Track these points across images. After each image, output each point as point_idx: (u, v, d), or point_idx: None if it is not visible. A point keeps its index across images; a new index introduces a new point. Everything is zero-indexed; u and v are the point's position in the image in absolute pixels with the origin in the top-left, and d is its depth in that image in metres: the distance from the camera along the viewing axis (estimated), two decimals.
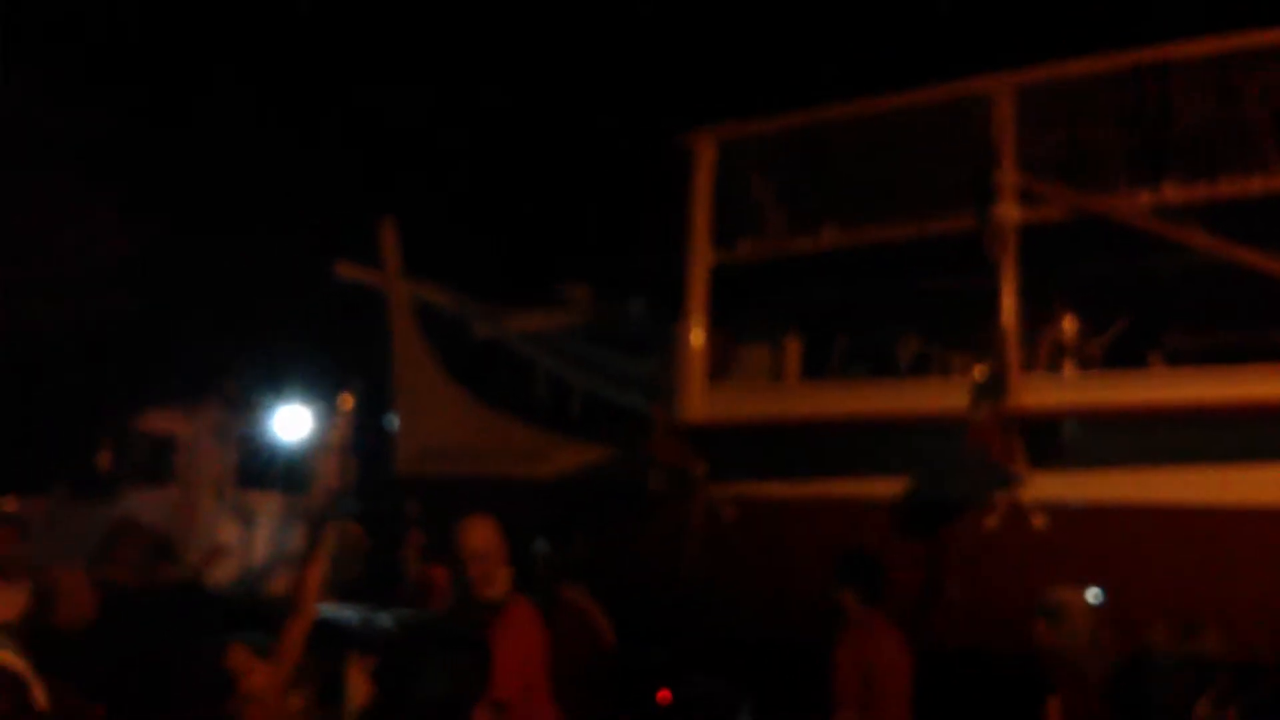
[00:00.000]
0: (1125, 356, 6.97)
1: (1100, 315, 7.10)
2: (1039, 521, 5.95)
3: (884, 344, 7.61)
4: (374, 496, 9.59)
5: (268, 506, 10.92)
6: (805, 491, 6.61)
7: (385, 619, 6.96)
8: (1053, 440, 5.94)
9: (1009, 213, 6.18)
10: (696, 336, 6.95)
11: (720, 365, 7.46)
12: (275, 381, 11.31)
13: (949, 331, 7.30)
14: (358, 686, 3.69)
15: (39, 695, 3.43)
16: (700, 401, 6.82)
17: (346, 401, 10.95)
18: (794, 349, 7.68)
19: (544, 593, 4.51)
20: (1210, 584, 5.42)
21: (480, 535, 3.98)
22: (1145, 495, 5.71)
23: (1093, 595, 4.64)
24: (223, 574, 8.43)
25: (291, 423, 11.07)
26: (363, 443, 10.44)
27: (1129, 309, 7.08)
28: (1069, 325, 6.95)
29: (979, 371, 6.16)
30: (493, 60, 15.99)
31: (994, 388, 5.98)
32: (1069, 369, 6.69)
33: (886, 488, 6.29)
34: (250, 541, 10.87)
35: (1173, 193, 5.98)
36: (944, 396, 6.17)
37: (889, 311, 7.48)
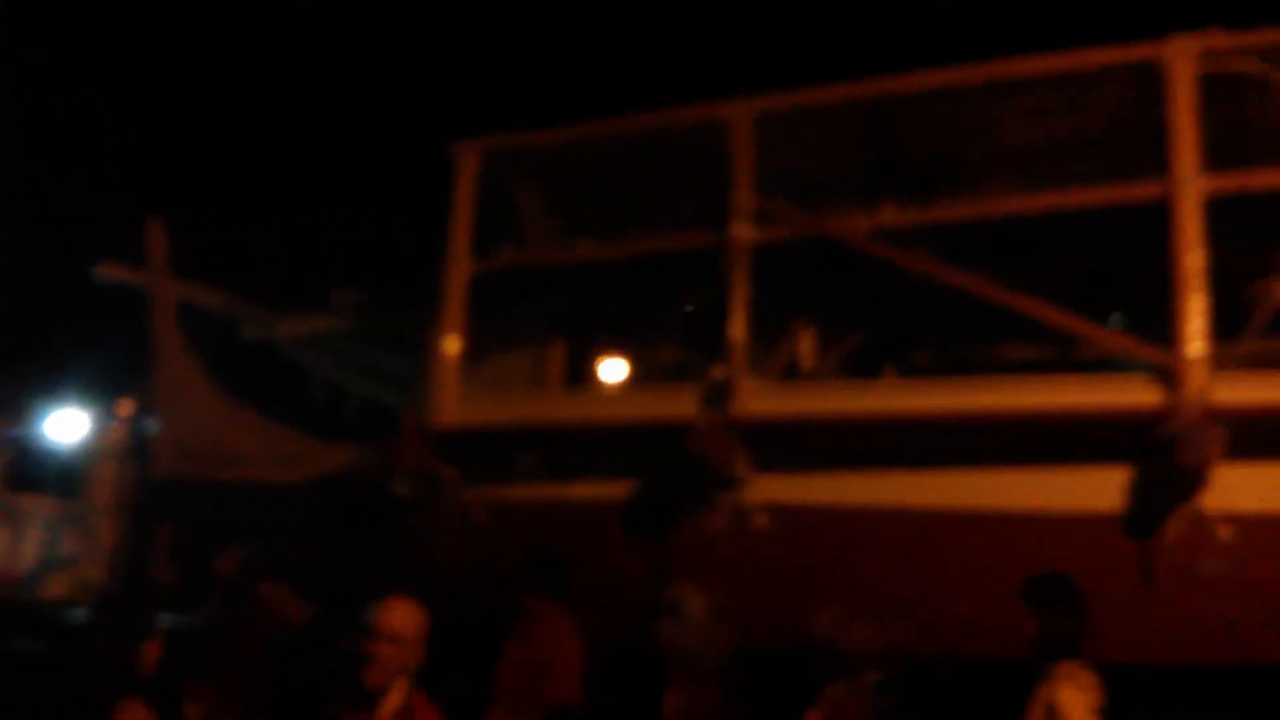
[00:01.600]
0: (865, 369, 7.43)
1: (843, 330, 7.57)
2: (761, 522, 6.29)
3: (644, 352, 7.91)
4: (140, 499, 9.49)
5: (38, 510, 10.73)
6: (549, 495, 6.82)
7: None
8: (775, 445, 6.29)
9: (743, 231, 6.54)
10: (451, 342, 7.11)
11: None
12: (50, 384, 11.08)
13: (705, 341, 7.61)
14: None
15: None
16: (452, 406, 6.98)
17: (124, 406, 10.78)
18: (557, 355, 7.91)
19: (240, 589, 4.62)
20: (895, 581, 5.84)
21: (400, 617, 3.60)
22: (850, 498, 6.11)
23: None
24: None
25: (66, 426, 10.89)
26: (141, 447, 10.30)
27: (870, 324, 7.55)
28: (807, 339, 7.37)
29: (707, 379, 6.49)
30: (268, 55, 15.85)
31: (720, 395, 6.30)
32: (799, 378, 7.10)
33: (620, 490, 6.55)
34: (19, 546, 10.66)
35: (890, 216, 6.42)
36: (675, 403, 6.45)
37: (647, 321, 7.79)
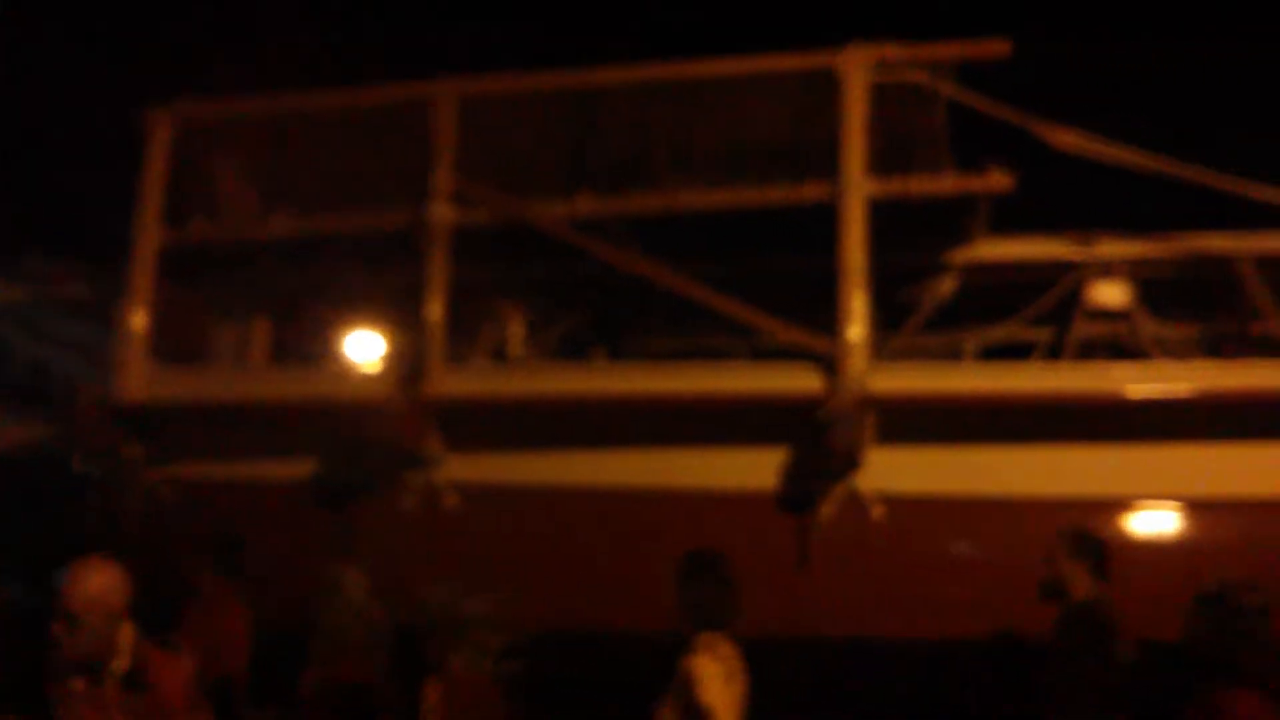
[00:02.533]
0: (577, 353, 7.61)
1: (553, 315, 7.72)
2: (451, 501, 6.38)
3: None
4: None
5: None
6: (240, 474, 6.71)
7: None
8: (468, 426, 6.39)
9: (441, 212, 6.59)
10: (138, 316, 6.88)
11: (193, 345, 7.47)
12: None
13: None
14: None
15: None
16: (138, 381, 6.77)
17: None
18: (261, 331, 7.77)
19: None
20: (575, 556, 6.06)
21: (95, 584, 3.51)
22: (537, 477, 6.29)
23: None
24: None
25: None
26: None
27: (579, 310, 7.72)
28: (516, 322, 7.49)
29: (400, 359, 6.54)
30: None
31: (414, 375, 6.35)
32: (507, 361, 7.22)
33: (311, 469, 6.52)
34: None
35: (586, 205, 6.60)
36: (371, 383, 6.46)
37: (353, 298, 7.74)
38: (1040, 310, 7.18)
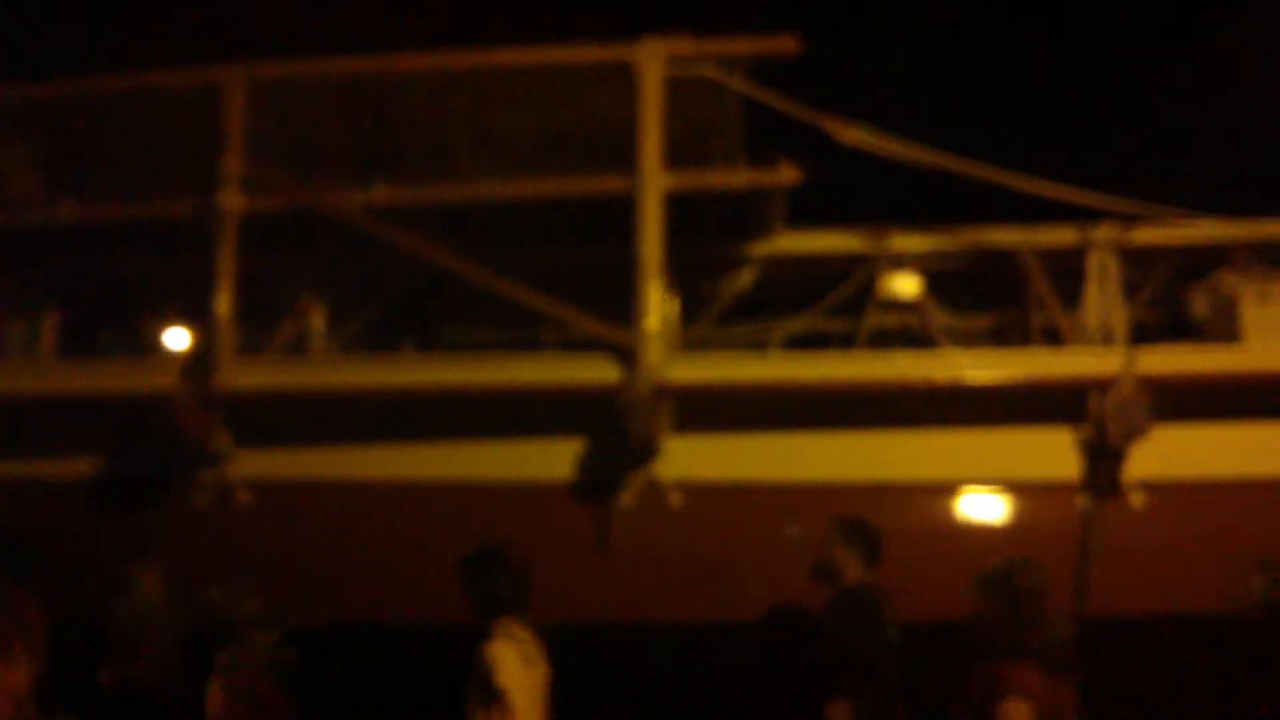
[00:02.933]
0: (384, 345, 7.50)
1: (356, 306, 7.60)
2: (244, 498, 6.22)
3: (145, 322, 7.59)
4: None
5: None
6: (30, 472, 6.40)
7: None
8: (261, 420, 6.24)
9: (231, 200, 6.40)
10: None
11: None
12: None
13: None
14: None
15: None
16: None
17: None
18: (51, 323, 7.44)
19: None
20: (368, 550, 6.00)
21: None
22: (330, 472, 6.19)
23: None
24: None
25: None
26: None
27: (380, 302, 7.62)
28: (317, 312, 7.34)
29: (190, 351, 6.35)
30: None
31: (201, 367, 6.16)
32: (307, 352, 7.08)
33: (101, 466, 6.28)
34: None
35: (381, 194, 6.51)
36: (160, 375, 6.23)
37: (149, 289, 7.50)
38: (837, 301, 7.42)
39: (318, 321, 7.31)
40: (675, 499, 6.18)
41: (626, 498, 6.15)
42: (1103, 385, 5.93)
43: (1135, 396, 5.84)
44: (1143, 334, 7.19)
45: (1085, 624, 5.83)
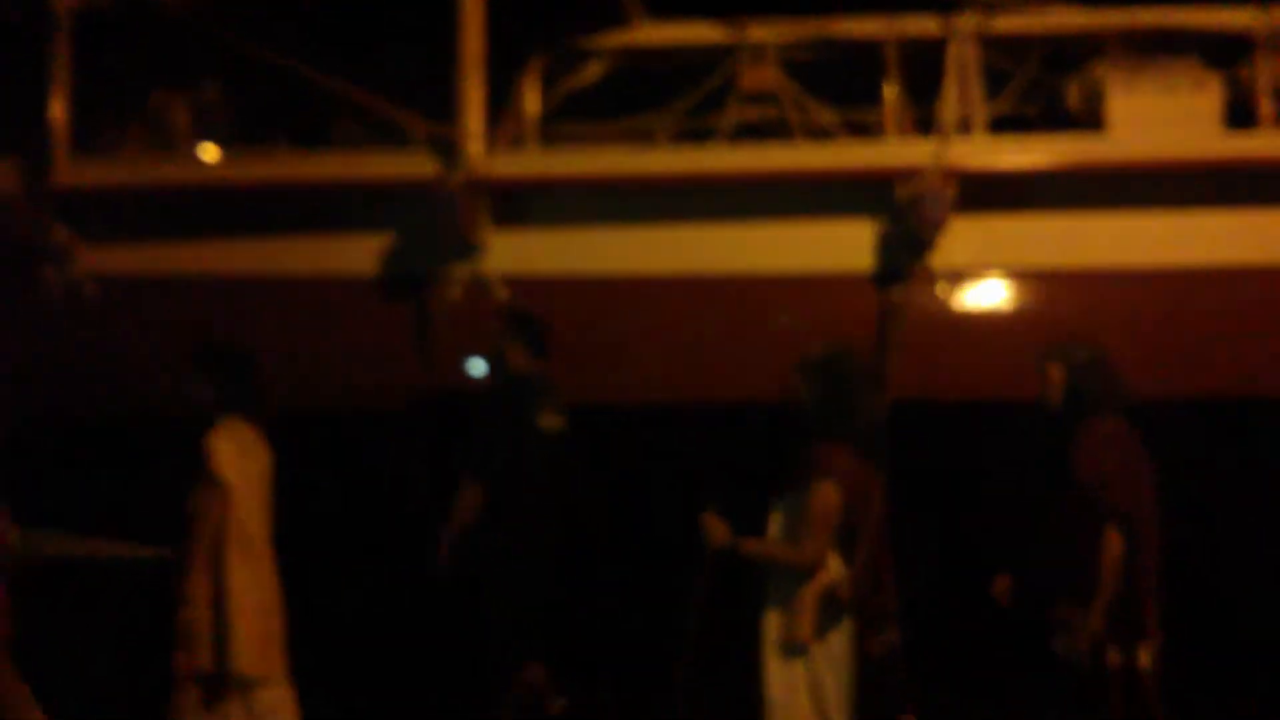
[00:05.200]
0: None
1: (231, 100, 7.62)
2: (92, 291, 6.44)
3: None
4: None
5: None
6: None
7: None
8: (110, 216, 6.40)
9: None
10: None
11: None
12: None
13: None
14: None
15: None
16: None
17: None
18: None
19: None
20: None
21: None
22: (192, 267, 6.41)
23: None
24: None
25: None
26: None
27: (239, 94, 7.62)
28: (178, 109, 7.39)
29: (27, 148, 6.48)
30: None
31: (39, 166, 6.32)
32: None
33: None
34: None
35: None
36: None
37: None
38: (699, 95, 7.34)
39: (178, 118, 7.37)
40: (502, 293, 6.34)
41: (451, 291, 6.32)
42: (908, 176, 5.93)
43: (938, 188, 5.83)
44: (1021, 125, 7.09)
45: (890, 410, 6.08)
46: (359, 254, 6.37)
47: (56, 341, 6.34)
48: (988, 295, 6.18)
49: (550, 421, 5.12)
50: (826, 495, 4.18)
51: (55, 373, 6.25)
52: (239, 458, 4.41)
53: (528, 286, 6.34)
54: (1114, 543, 4.46)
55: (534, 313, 5.25)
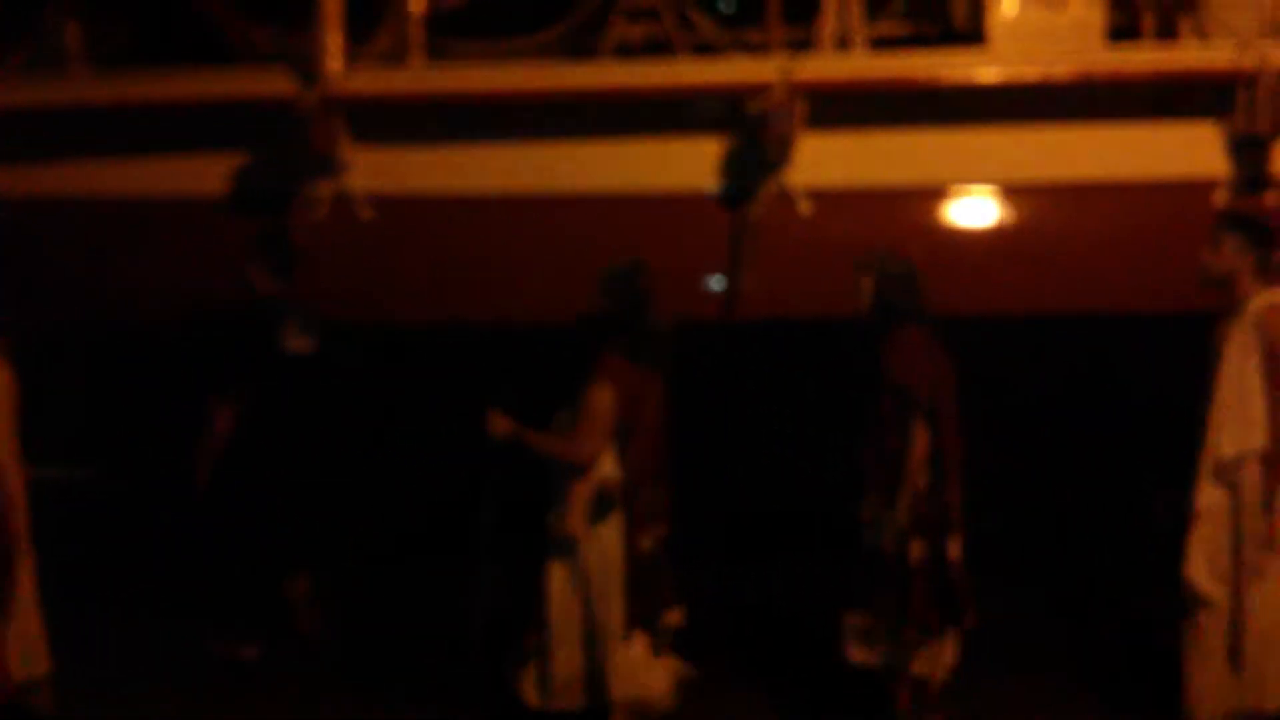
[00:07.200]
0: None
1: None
2: None
3: None
4: None
5: None
6: None
7: None
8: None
9: None
10: None
11: None
12: None
13: None
14: None
15: None
16: None
17: None
18: None
19: None
20: None
21: None
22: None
23: None
24: None
25: None
26: None
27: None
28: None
29: None
30: None
31: None
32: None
33: None
34: None
35: None
36: None
37: None
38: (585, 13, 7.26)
39: (71, 39, 7.38)
40: (366, 213, 6.36)
41: (318, 210, 6.35)
42: (758, 92, 5.87)
43: (786, 104, 5.78)
44: (912, 43, 6.98)
45: (734, 327, 6.10)
46: (219, 173, 6.39)
47: None
48: (854, 212, 6.12)
49: (298, 344, 5.19)
50: (599, 397, 4.43)
51: None
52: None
53: (390, 205, 6.37)
54: (921, 438, 4.59)
55: (285, 234, 5.31)
